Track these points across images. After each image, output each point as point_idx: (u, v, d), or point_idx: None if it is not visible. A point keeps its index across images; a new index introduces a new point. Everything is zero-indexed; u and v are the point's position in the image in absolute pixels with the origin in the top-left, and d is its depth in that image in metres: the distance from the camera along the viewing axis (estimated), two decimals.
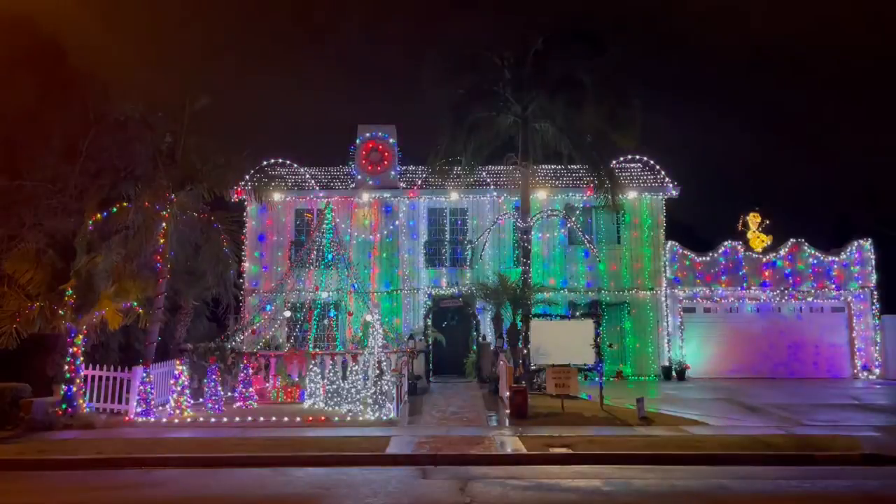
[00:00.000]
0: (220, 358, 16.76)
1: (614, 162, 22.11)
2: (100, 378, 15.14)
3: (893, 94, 51.09)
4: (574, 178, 23.07)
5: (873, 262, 23.01)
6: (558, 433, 12.14)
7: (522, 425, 13.08)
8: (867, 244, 23.15)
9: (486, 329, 21.79)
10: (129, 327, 16.58)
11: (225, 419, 14.20)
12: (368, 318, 18.23)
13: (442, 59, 19.19)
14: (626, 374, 22.22)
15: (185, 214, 17.27)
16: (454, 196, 22.76)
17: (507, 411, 14.48)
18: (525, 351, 17.68)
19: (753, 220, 23.47)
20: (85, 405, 14.30)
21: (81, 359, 14.30)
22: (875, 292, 22.84)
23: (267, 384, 17.68)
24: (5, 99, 17.77)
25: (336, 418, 14.08)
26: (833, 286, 22.93)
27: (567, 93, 18.61)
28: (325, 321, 21.41)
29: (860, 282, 22.93)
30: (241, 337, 19.65)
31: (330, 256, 20.90)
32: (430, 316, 22.64)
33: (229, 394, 16.16)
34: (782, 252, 23.13)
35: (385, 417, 13.86)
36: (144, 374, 14.58)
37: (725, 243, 23.27)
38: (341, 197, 23.10)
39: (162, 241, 16.35)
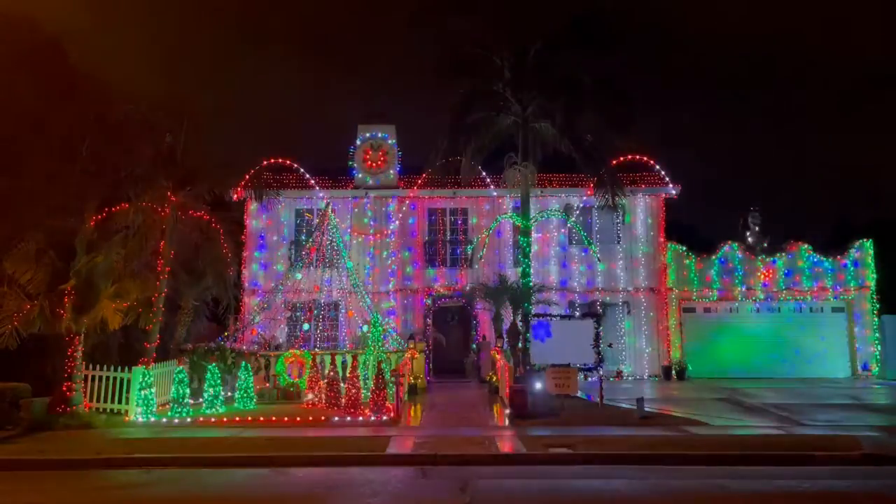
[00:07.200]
0: (221, 358, 16.77)
1: (614, 162, 22.11)
2: (100, 378, 15.13)
3: (894, 94, 51.14)
4: (574, 178, 23.06)
5: (873, 262, 23.01)
6: (558, 433, 12.14)
7: (522, 425, 13.06)
8: (867, 244, 23.14)
9: (486, 329, 21.80)
10: (129, 327, 16.57)
11: (225, 419, 14.20)
12: (368, 317, 18.23)
13: (442, 60, 19.21)
14: (625, 374, 22.23)
15: (185, 214, 17.27)
16: (454, 196, 22.75)
17: (507, 411, 14.48)
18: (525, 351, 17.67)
19: (753, 220, 23.48)
20: (85, 405, 14.31)
21: (81, 359, 14.30)
22: (875, 292, 22.85)
23: (267, 384, 17.68)
24: (5, 99, 17.77)
25: (336, 418, 14.08)
26: (833, 286, 22.93)
27: (567, 93, 18.59)
28: (325, 321, 21.42)
29: (860, 282, 22.92)
30: (241, 337, 19.64)
31: (330, 256, 20.90)
32: (430, 316, 22.65)
33: (229, 394, 16.15)
34: (782, 252, 23.14)
35: (385, 417, 13.86)
36: (144, 374, 14.58)
37: (725, 243, 23.27)
38: (341, 197, 23.11)
39: (162, 241, 16.35)
